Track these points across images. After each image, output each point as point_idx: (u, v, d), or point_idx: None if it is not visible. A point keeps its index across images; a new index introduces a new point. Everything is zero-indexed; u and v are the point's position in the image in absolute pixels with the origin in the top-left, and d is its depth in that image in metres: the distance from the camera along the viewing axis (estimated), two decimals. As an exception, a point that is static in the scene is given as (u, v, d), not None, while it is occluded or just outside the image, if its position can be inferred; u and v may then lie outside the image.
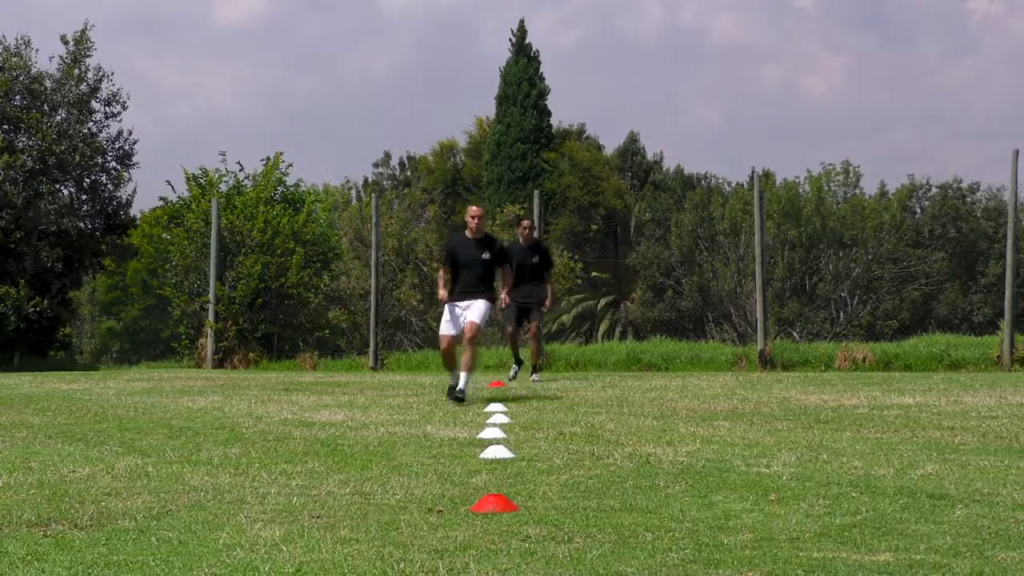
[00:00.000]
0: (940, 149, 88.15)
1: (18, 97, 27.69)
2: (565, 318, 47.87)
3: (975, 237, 48.83)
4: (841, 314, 42.85)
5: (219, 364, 23.84)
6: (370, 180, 59.00)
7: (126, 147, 28.96)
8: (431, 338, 33.94)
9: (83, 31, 28.48)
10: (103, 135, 28.65)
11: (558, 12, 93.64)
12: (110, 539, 4.96)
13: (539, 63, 53.08)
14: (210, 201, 25.41)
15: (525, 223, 16.00)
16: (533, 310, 15.70)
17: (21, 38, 28.22)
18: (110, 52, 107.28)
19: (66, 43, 28.39)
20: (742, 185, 51.08)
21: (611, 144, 58.75)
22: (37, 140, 27.16)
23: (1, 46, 27.94)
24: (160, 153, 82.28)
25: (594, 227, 52.40)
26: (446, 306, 12.45)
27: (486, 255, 12.48)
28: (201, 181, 27.26)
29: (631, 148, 58.95)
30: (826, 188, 46.71)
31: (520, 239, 15.88)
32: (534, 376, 15.88)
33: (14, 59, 27.79)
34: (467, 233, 12.65)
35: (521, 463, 7.22)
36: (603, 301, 49.98)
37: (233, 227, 25.45)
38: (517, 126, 51.66)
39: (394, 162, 61.50)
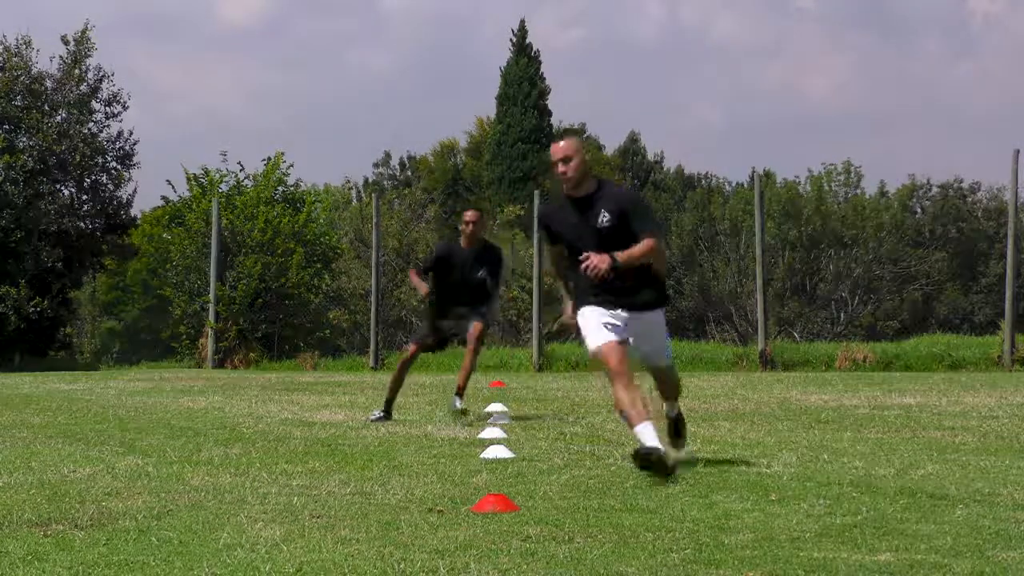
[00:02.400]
0: (940, 149, 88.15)
1: (19, 97, 27.71)
2: (567, 317, 47.82)
3: (976, 237, 48.82)
4: (842, 314, 42.84)
5: (219, 364, 23.84)
6: (370, 180, 59.01)
7: (126, 147, 28.99)
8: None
9: (83, 31, 28.52)
10: (103, 135, 28.69)
11: (558, 12, 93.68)
12: (110, 539, 4.96)
13: (539, 63, 53.09)
14: (211, 201, 25.41)
15: (468, 215, 10.53)
16: (475, 313, 10.49)
17: (21, 38, 28.28)
18: (110, 52, 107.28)
19: (66, 43, 28.43)
20: (742, 185, 51.07)
21: (611, 144, 58.80)
22: (37, 140, 27.18)
23: (1, 46, 27.96)
24: (160, 153, 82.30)
25: (595, 227, 52.35)
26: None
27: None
28: (202, 181, 27.26)
29: (631, 148, 58.96)
30: (827, 188, 46.73)
31: (462, 239, 10.59)
32: (457, 402, 10.34)
33: (14, 59, 27.81)
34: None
35: (521, 463, 7.22)
36: (603, 301, 49.91)
37: (234, 227, 25.45)
38: (517, 126, 51.68)
39: (394, 162, 61.54)
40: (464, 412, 10.17)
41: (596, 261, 6.51)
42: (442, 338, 10.67)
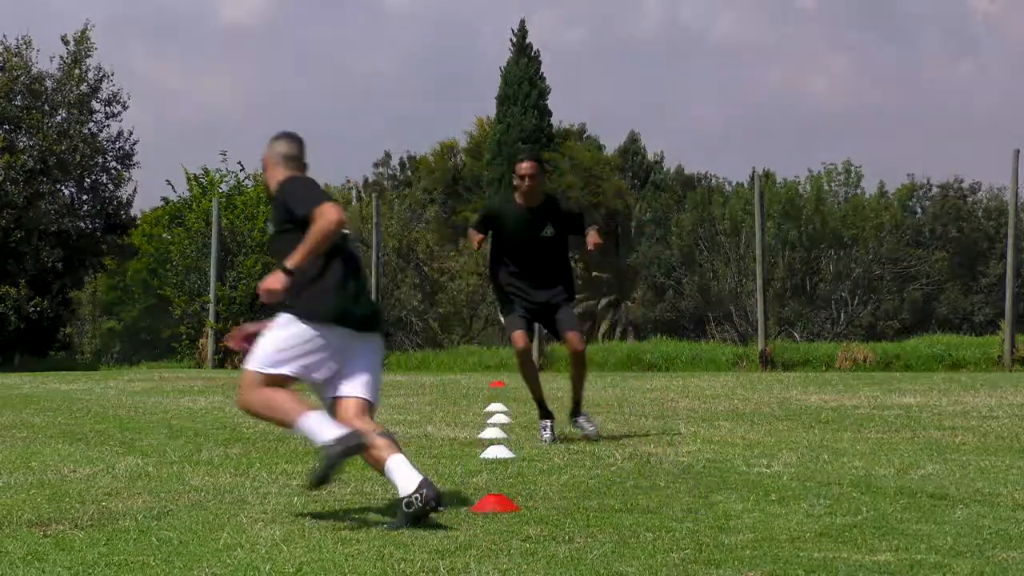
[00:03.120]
0: (940, 149, 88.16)
1: (19, 97, 27.70)
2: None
3: (976, 237, 48.82)
4: (842, 314, 42.85)
5: (220, 364, 23.84)
6: (370, 180, 58.99)
7: (126, 147, 28.98)
8: (431, 338, 33.87)
9: (83, 31, 28.51)
10: (103, 135, 28.68)
11: (558, 12, 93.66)
12: (110, 539, 4.96)
13: (539, 63, 53.05)
14: (211, 201, 25.42)
15: (524, 166, 8.71)
16: (561, 312, 8.84)
17: (22, 38, 28.26)
18: (110, 52, 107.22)
19: (66, 43, 28.42)
20: (742, 185, 51.03)
21: (611, 144, 58.70)
22: (38, 140, 27.17)
23: (2, 46, 27.95)
24: (161, 153, 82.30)
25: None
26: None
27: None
28: (202, 181, 27.26)
29: (631, 148, 58.90)
30: (827, 188, 46.78)
31: (517, 194, 8.79)
32: (583, 423, 8.86)
33: (15, 59, 27.81)
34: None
35: (521, 463, 7.22)
36: (603, 301, 49.99)
37: (234, 227, 25.45)
38: (518, 126, 51.61)
39: (394, 162, 61.50)
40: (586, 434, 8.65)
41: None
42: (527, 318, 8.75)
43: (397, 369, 21.52)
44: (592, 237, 8.71)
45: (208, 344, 24.22)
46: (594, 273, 49.41)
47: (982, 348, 19.51)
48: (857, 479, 6.44)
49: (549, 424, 8.75)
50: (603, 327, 48.89)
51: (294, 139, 5.92)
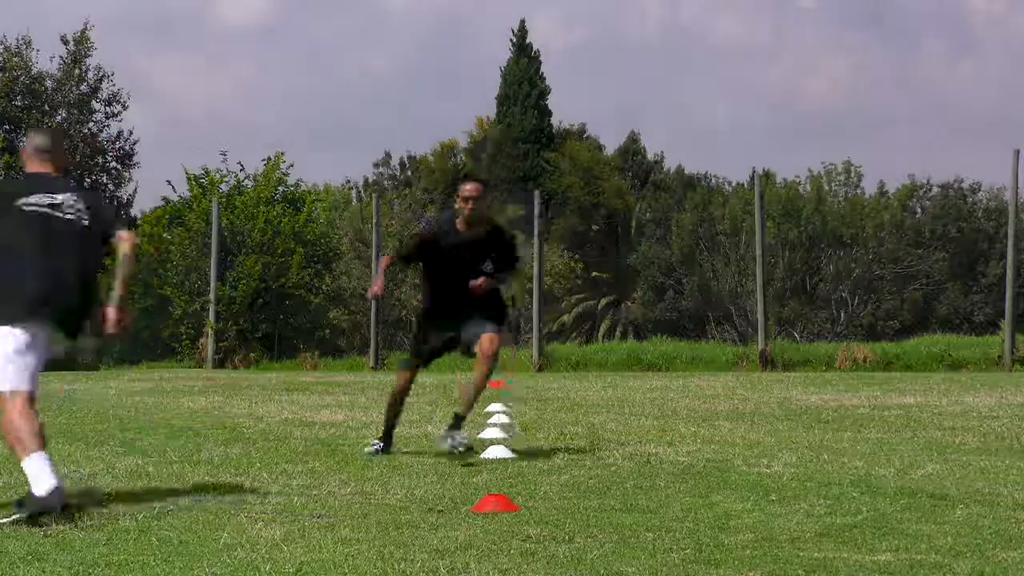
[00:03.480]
0: (940, 149, 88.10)
1: (19, 97, 27.74)
2: (566, 318, 47.92)
3: (976, 237, 48.81)
4: (842, 314, 42.88)
5: (220, 364, 23.84)
6: (370, 180, 58.98)
7: (127, 147, 29.02)
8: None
9: (83, 31, 28.56)
10: (104, 135, 28.71)
11: (558, 12, 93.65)
12: (111, 539, 4.96)
13: (539, 63, 53.09)
14: (211, 201, 25.42)
15: (468, 188, 8.01)
16: (479, 324, 8.07)
17: (22, 38, 28.30)
18: (111, 52, 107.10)
19: (66, 43, 28.46)
20: (742, 185, 51.02)
21: (611, 144, 58.67)
22: (38, 140, 27.22)
23: (2, 46, 27.98)
24: (161, 153, 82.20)
25: (595, 227, 52.41)
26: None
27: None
28: (202, 181, 27.25)
29: (631, 148, 58.88)
30: (827, 188, 46.82)
31: (458, 219, 8.07)
32: (454, 440, 7.76)
33: (15, 59, 27.84)
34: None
35: (521, 463, 7.22)
36: (604, 301, 49.98)
37: (234, 227, 25.45)
38: (518, 126, 51.65)
39: (394, 162, 61.48)
40: (469, 449, 7.76)
41: None
42: (434, 354, 8.45)
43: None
44: (480, 281, 7.86)
45: (208, 344, 24.23)
46: (594, 273, 49.42)
47: (982, 348, 19.52)
48: (857, 479, 6.44)
49: (381, 447, 8.05)
50: (603, 327, 48.88)
51: (45, 134, 6.34)
